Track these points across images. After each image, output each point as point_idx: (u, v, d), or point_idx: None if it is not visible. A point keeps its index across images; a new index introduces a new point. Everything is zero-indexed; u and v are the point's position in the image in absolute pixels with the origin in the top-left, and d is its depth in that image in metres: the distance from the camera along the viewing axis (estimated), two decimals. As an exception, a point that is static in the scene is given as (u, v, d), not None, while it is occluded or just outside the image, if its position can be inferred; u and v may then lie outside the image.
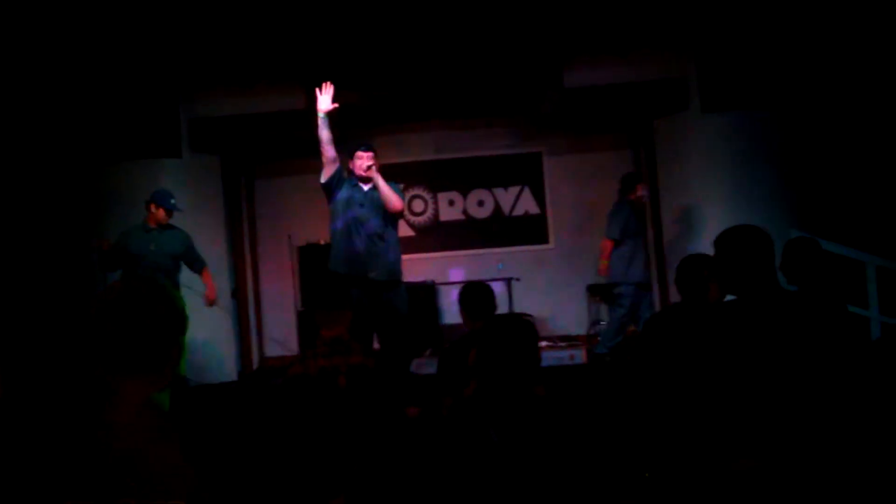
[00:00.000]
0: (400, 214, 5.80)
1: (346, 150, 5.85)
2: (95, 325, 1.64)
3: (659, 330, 2.04)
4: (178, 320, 1.70)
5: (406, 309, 5.83)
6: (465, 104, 8.20)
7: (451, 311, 6.27)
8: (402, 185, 6.14)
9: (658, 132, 7.95)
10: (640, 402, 2.06)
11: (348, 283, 5.64)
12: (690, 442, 1.89)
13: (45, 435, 1.71)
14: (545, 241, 8.88)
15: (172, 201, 6.18)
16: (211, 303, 6.42)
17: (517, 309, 7.64)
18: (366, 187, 5.71)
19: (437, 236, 8.79)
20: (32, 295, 6.66)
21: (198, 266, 6.45)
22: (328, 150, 5.59)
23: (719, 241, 2.57)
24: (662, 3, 6.97)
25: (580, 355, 6.79)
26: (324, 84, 5.56)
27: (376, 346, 5.93)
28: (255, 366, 8.58)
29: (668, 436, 1.94)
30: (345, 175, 5.77)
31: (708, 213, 7.02)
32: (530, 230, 8.87)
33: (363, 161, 5.63)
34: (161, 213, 6.14)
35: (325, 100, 5.52)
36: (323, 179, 5.73)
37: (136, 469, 1.59)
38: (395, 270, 5.74)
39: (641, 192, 7.08)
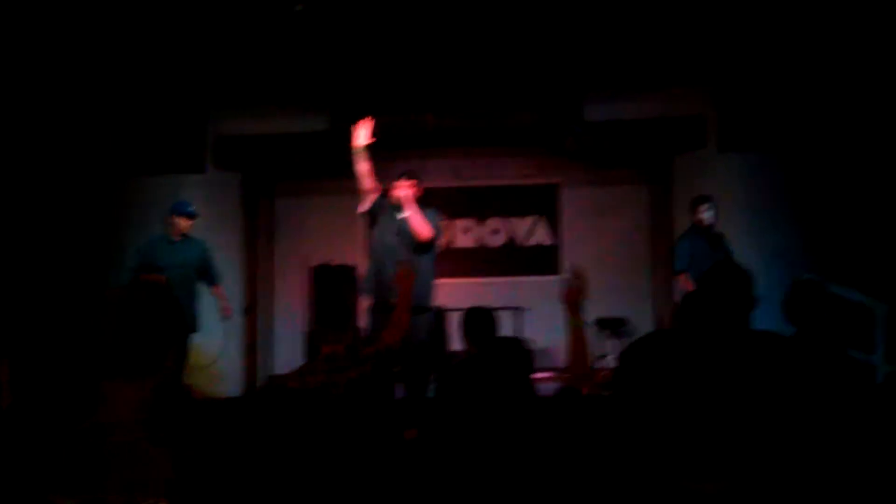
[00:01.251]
0: (430, 244, 5.82)
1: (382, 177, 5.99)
2: (94, 327, 1.72)
3: (636, 356, 2.09)
4: (174, 326, 1.77)
5: (427, 336, 5.87)
6: (485, 134, 8.29)
7: (457, 337, 6.29)
8: (442, 217, 6.21)
9: (676, 169, 8.01)
10: (616, 425, 2.10)
11: (375, 308, 5.75)
12: (659, 464, 1.93)
13: (41, 434, 1.78)
14: (556, 272, 8.91)
15: (190, 208, 6.28)
16: (227, 317, 6.48)
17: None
18: (401, 216, 5.79)
19: (449, 262, 8.85)
20: (53, 304, 6.78)
21: (213, 278, 6.51)
22: (366, 182, 5.71)
23: (701, 278, 2.63)
24: (684, 43, 7.05)
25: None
26: (365, 119, 5.69)
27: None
28: (259, 383, 8.64)
29: (637, 458, 1.98)
30: (386, 202, 5.86)
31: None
32: (542, 261, 8.91)
33: (399, 190, 5.74)
34: (183, 221, 6.22)
35: (362, 134, 5.65)
36: (362, 209, 5.86)
37: (124, 467, 1.65)
38: (421, 296, 5.71)
39: (700, 213, 6.43)
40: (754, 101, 7.34)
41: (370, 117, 5.71)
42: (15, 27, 6.18)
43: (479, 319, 4.09)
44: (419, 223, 5.69)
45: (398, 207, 5.80)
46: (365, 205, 5.83)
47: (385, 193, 5.90)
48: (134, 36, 6.65)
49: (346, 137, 7.51)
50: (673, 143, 7.79)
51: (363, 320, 6.02)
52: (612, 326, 8.34)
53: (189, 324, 6.04)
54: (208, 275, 6.47)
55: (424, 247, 5.80)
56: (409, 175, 5.86)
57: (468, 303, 6.16)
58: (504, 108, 7.85)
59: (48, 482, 1.68)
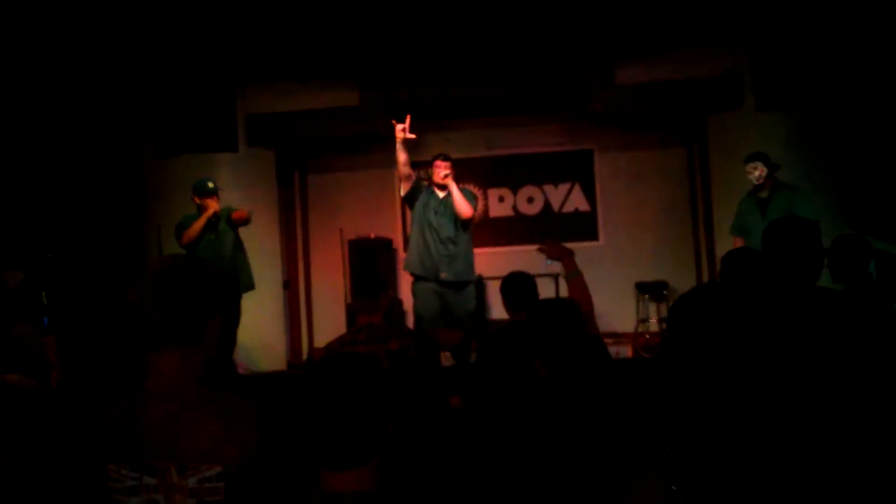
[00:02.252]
0: (470, 220, 6.22)
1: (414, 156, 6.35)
2: (137, 299, 1.73)
3: (687, 310, 2.06)
4: (215, 296, 1.77)
5: (473, 308, 6.31)
6: (516, 101, 8.21)
7: (498, 305, 6.30)
8: (475, 195, 6.57)
9: (711, 130, 7.87)
10: (666, 381, 2.08)
11: (421, 283, 6.20)
12: (711, 421, 1.91)
13: (93, 407, 1.81)
14: (595, 238, 8.84)
15: (210, 185, 6.12)
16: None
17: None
18: (441, 194, 6.21)
19: (486, 232, 8.81)
20: (95, 281, 6.88)
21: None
22: (404, 170, 6.15)
23: (766, 232, 2.58)
24: (717, 0, 6.90)
25: (625, 351, 6.77)
26: (406, 116, 6.08)
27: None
28: (304, 356, 8.74)
29: (689, 413, 1.96)
30: (424, 184, 6.33)
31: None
32: (580, 227, 8.85)
33: (440, 170, 6.14)
34: (210, 202, 6.09)
35: (403, 128, 6.04)
36: (402, 193, 6.32)
37: (175, 434, 1.67)
38: (465, 272, 6.22)
39: (747, 174, 6.13)
40: (791, 58, 7.16)
41: (408, 115, 6.08)
42: (46, 6, 6.23)
43: (521, 284, 4.07)
44: (460, 202, 6.07)
45: (437, 187, 6.20)
46: (405, 189, 6.23)
47: (421, 175, 6.20)
48: (163, 15, 6.67)
49: (376, 111, 7.55)
50: (708, 103, 7.65)
51: (404, 292, 6.18)
52: (652, 290, 8.28)
53: (239, 288, 6.03)
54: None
55: (465, 224, 6.18)
56: (445, 156, 6.23)
57: (506, 271, 6.16)
58: (534, 75, 7.76)
59: (104, 452, 1.71)
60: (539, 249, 3.50)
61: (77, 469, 1.74)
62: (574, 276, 3.41)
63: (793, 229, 2.53)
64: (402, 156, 6.06)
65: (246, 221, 6.09)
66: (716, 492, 1.81)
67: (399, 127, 6.02)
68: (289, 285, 8.58)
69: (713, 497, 1.84)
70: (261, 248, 6.82)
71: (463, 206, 6.07)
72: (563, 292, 7.99)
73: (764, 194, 6.11)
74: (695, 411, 1.92)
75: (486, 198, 9.01)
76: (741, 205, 6.38)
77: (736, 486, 1.81)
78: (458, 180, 6.23)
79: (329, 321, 8.85)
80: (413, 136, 6.06)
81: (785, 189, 6.11)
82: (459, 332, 5.63)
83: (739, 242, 6.21)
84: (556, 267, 8.09)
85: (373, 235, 8.67)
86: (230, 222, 6.14)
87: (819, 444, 1.97)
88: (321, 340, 8.86)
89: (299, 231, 9.09)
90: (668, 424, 1.98)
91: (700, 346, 1.95)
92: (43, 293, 5.63)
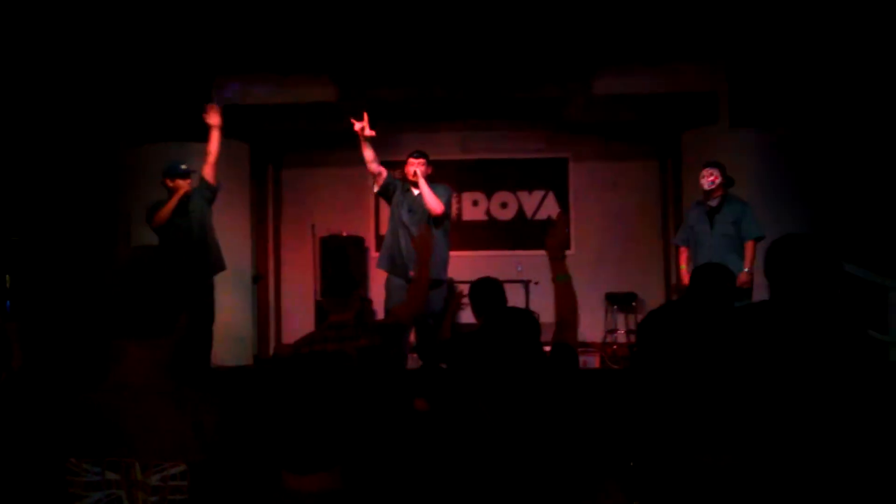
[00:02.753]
0: (443, 218, 6.11)
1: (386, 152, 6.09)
2: (106, 289, 1.70)
3: (656, 324, 2.07)
4: (184, 290, 1.75)
5: (441, 307, 6.04)
6: (494, 105, 8.23)
7: (468, 309, 6.31)
8: (451, 192, 6.42)
9: (686, 144, 7.94)
10: (633, 394, 2.09)
11: (393, 278, 6.12)
12: (676, 435, 1.92)
13: (55, 396, 1.77)
14: (566, 247, 8.88)
15: (183, 166, 5.99)
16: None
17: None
18: (415, 192, 6.14)
19: (458, 235, 8.83)
20: (61, 268, 6.79)
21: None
22: (373, 167, 6.11)
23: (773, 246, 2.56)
24: (697, 17, 6.96)
25: (593, 361, 6.81)
26: (363, 113, 6.05)
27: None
28: (271, 351, 8.68)
29: (654, 427, 1.97)
30: (398, 182, 6.24)
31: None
32: (552, 235, 8.88)
33: (411, 167, 6.08)
34: (182, 182, 5.93)
35: (362, 126, 5.99)
36: (375, 189, 6.27)
37: (140, 430, 1.65)
38: (437, 270, 5.97)
39: (705, 177, 5.96)
40: (767, 77, 7.25)
41: (364, 112, 6.04)
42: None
43: (487, 290, 4.08)
44: (431, 199, 5.98)
45: (410, 184, 6.12)
46: (377, 186, 6.18)
47: (395, 175, 6.24)
48: (141, 2, 6.60)
49: (354, 109, 7.51)
50: (684, 117, 7.72)
51: (374, 292, 6.10)
52: (621, 301, 8.34)
53: (210, 269, 5.94)
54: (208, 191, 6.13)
55: (437, 221, 6.07)
56: (419, 153, 6.15)
57: (477, 275, 6.16)
58: (512, 80, 7.78)
59: (65, 445, 1.68)
60: (552, 233, 3.36)
61: (36, 460, 1.70)
62: (563, 280, 3.35)
63: (807, 247, 2.50)
64: (367, 153, 6.03)
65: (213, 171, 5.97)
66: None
67: (357, 125, 5.97)
68: (258, 279, 8.51)
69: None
70: (231, 241, 6.75)
71: (432, 202, 5.99)
72: (534, 299, 8.05)
73: (714, 203, 5.95)
74: (662, 428, 1.93)
75: (459, 201, 9.02)
76: (688, 214, 6.24)
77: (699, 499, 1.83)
78: (433, 181, 6.13)
79: (298, 317, 8.81)
80: (372, 132, 5.98)
81: (735, 201, 5.96)
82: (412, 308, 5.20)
83: (684, 252, 6.13)
84: (526, 273, 8.19)
85: (344, 233, 8.65)
86: (205, 193, 6.02)
87: (789, 462, 2.00)
88: (289, 336, 8.81)
89: (271, 226, 9.03)
90: (634, 440, 1.99)
91: (669, 364, 1.97)
92: (7, 277, 5.53)
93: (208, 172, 5.98)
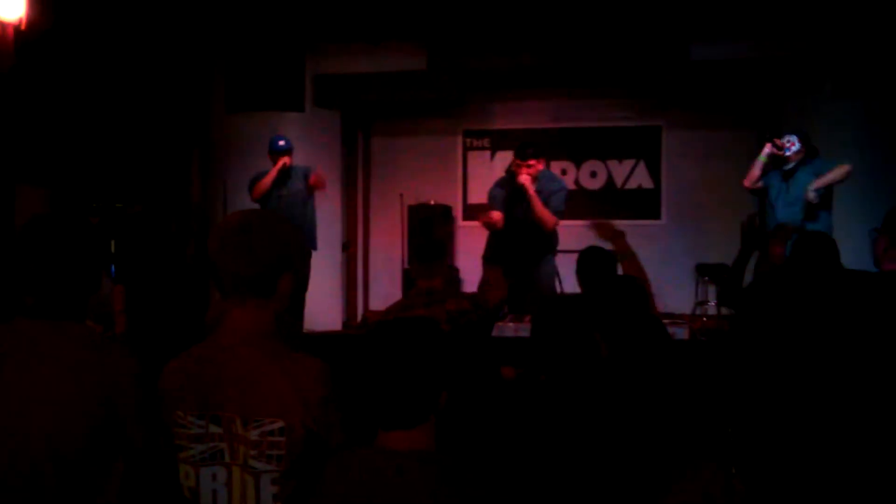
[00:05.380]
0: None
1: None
2: (214, 250, 1.76)
3: (761, 294, 2.02)
4: (290, 251, 1.80)
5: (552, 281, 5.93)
6: (586, 73, 8.08)
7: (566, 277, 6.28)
8: (566, 190, 6.06)
9: (786, 113, 7.65)
10: (735, 364, 2.04)
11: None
12: (777, 401, 1.88)
13: (156, 356, 1.86)
14: (657, 216, 8.71)
15: (282, 143, 6.28)
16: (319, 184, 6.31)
17: (622, 283, 7.56)
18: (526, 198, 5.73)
19: (547, 205, 8.76)
20: (164, 234, 7.05)
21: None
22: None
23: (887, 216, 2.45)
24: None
25: (682, 332, 6.67)
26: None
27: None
28: (359, 318, 8.83)
29: (757, 396, 1.93)
30: (509, 179, 5.85)
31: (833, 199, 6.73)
32: (642, 205, 8.73)
33: (523, 176, 5.65)
34: (283, 158, 6.24)
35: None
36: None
37: (242, 387, 1.71)
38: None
39: (787, 146, 5.82)
40: (873, 44, 6.90)
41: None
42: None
43: (596, 259, 4.03)
44: (541, 214, 5.59)
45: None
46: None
47: (507, 171, 5.91)
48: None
49: (444, 77, 7.46)
50: (783, 86, 7.43)
51: (460, 261, 6.07)
52: (712, 273, 8.14)
53: (310, 246, 6.14)
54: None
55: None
56: (536, 153, 5.75)
57: (566, 245, 6.11)
58: (606, 47, 7.62)
59: (172, 398, 1.76)
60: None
61: (150, 409, 1.79)
62: (627, 258, 3.35)
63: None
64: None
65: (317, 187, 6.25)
66: (778, 475, 1.79)
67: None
68: (347, 247, 8.66)
69: (775, 480, 1.81)
70: (321, 209, 6.88)
71: (544, 219, 5.59)
72: (623, 272, 7.93)
73: (789, 166, 5.81)
74: (763, 395, 1.89)
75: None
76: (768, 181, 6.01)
77: (799, 470, 1.78)
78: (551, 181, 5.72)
79: (385, 285, 8.92)
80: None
81: (809, 162, 5.80)
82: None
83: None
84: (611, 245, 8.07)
85: (432, 202, 8.69)
86: (306, 181, 6.24)
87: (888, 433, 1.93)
88: (377, 303, 8.94)
89: (360, 194, 9.14)
90: (733, 407, 1.96)
91: (772, 330, 1.92)
92: (112, 242, 5.78)
93: (311, 182, 6.22)
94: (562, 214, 5.81)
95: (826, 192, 5.70)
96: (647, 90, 8.17)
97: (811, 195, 5.57)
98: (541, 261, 5.79)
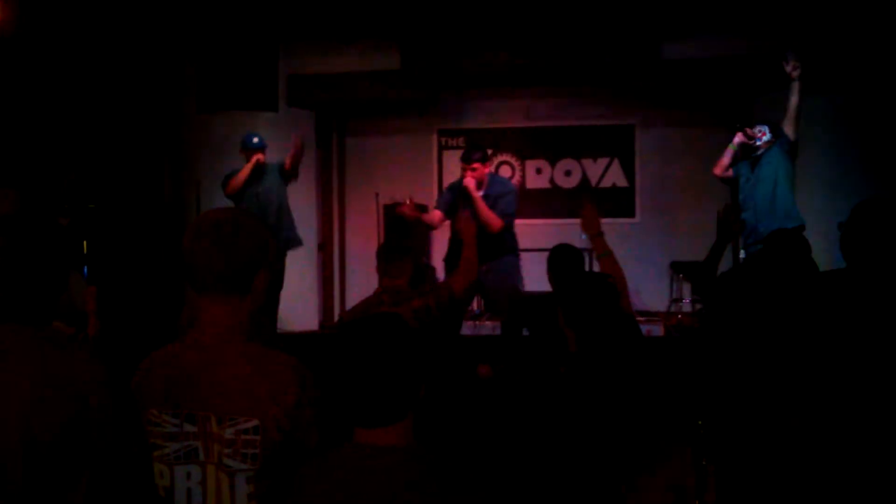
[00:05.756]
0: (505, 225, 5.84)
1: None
2: (189, 248, 1.75)
3: (731, 287, 2.04)
4: (264, 249, 1.79)
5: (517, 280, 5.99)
6: (560, 72, 8.12)
7: (529, 278, 6.29)
8: (515, 190, 6.16)
9: (757, 111, 7.74)
10: (705, 356, 2.07)
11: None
12: (747, 395, 1.90)
13: (134, 353, 1.85)
14: (632, 214, 8.78)
15: (255, 139, 6.33)
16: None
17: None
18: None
19: (522, 204, 8.77)
20: (135, 235, 6.99)
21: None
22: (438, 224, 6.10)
23: (854, 210, 2.45)
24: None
25: (657, 330, 6.74)
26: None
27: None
28: (335, 318, 8.81)
29: (727, 388, 1.96)
30: (458, 184, 5.89)
31: (803, 195, 6.82)
32: (617, 203, 8.79)
33: (468, 179, 5.69)
34: (260, 155, 6.26)
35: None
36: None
37: (216, 385, 1.70)
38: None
39: (757, 136, 6.02)
40: (841, 40, 6.99)
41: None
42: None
43: (565, 256, 4.05)
44: (486, 217, 5.57)
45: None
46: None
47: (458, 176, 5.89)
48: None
49: (418, 76, 7.47)
50: (754, 84, 7.51)
51: (436, 260, 6.06)
52: (687, 270, 8.21)
53: (282, 245, 6.13)
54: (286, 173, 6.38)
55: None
56: (481, 157, 5.76)
57: (540, 244, 6.12)
58: (578, 47, 7.66)
59: (146, 396, 1.75)
60: (582, 214, 3.40)
61: (118, 411, 1.77)
62: (605, 257, 3.39)
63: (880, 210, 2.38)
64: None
65: (294, 166, 6.19)
66: (749, 466, 1.81)
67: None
68: (323, 247, 8.63)
69: (746, 471, 1.84)
70: (296, 209, 6.86)
71: (489, 221, 5.55)
72: (598, 267, 7.97)
73: (759, 153, 5.94)
74: (733, 387, 1.92)
75: (523, 169, 8.97)
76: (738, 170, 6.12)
77: (771, 462, 1.81)
78: (496, 149, 5.89)
79: (362, 285, 8.89)
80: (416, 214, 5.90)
81: (775, 142, 5.91)
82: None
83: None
84: (587, 243, 8.09)
85: (408, 201, 8.67)
86: (281, 174, 6.24)
87: (862, 430, 1.96)
88: (353, 303, 8.89)
89: (335, 194, 9.13)
90: (703, 399, 1.98)
91: (743, 322, 1.94)
92: (84, 242, 5.73)
93: (287, 163, 6.20)
94: (511, 217, 5.80)
95: (789, 174, 5.86)
96: (620, 89, 8.22)
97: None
98: (495, 262, 5.76)
